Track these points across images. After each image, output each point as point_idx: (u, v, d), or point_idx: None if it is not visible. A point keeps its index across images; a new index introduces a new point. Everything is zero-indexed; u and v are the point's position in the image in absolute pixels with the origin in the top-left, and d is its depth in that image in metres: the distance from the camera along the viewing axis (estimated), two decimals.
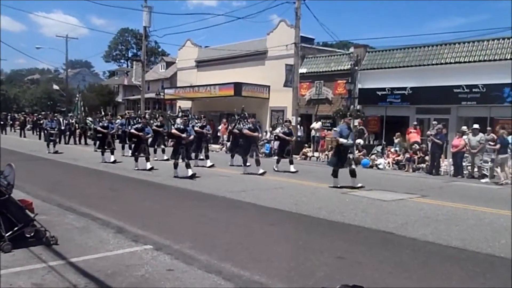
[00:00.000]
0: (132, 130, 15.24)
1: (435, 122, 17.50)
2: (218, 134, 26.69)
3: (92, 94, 50.75)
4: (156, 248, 5.62)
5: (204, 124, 17.20)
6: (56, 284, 4.36)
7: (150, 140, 16.37)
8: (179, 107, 16.92)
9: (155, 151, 17.72)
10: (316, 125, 23.05)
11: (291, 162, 14.97)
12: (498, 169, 14.30)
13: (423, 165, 16.45)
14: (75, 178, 12.72)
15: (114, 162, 16.06)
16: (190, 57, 33.84)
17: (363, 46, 23.90)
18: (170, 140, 19.32)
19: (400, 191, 11.21)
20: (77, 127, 27.73)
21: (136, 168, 14.14)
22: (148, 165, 14.17)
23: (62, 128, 24.96)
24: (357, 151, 19.06)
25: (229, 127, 17.54)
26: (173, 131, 13.14)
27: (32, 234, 5.53)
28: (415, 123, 19.09)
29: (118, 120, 23.77)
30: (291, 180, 12.76)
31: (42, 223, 5.73)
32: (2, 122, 39.52)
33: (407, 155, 17.24)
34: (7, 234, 5.24)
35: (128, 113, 26.28)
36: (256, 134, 14.60)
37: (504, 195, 11.14)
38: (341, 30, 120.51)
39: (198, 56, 33.84)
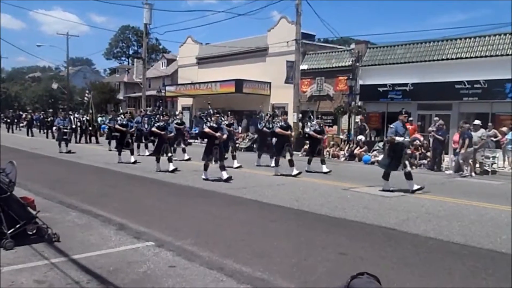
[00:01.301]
0: (154, 129, 14.05)
1: (436, 118, 17.48)
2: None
3: (93, 91, 50.73)
4: (158, 244, 5.63)
5: (231, 122, 16.43)
6: (58, 281, 4.37)
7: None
8: (209, 103, 15.87)
9: (174, 150, 16.81)
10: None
11: (323, 162, 14.12)
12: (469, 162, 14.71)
13: (425, 161, 16.44)
14: (77, 175, 12.72)
15: (135, 162, 15.22)
16: (191, 54, 33.81)
17: (364, 42, 23.87)
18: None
19: (401, 187, 11.19)
20: (88, 126, 26.80)
21: (159, 170, 13.24)
22: (171, 166, 13.16)
23: (73, 126, 23.64)
24: (358, 147, 19.08)
25: (258, 126, 16.29)
26: (207, 129, 11.85)
27: (34, 231, 5.54)
28: (411, 118, 19.04)
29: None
30: (292, 177, 12.75)
31: (44, 220, 5.74)
32: (8, 120, 38.94)
33: (408, 151, 17.20)
34: (9, 231, 5.25)
35: (144, 110, 25.29)
36: (289, 132, 13.55)
37: (506, 191, 11.12)
38: (342, 26, 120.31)
39: (199, 53, 33.82)
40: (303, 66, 24.90)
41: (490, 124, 16.75)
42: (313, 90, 25.33)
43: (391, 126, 10.96)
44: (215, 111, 12.63)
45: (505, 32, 18.63)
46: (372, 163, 17.51)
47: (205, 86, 29.32)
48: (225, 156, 13.92)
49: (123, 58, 79.60)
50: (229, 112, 12.51)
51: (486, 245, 5.99)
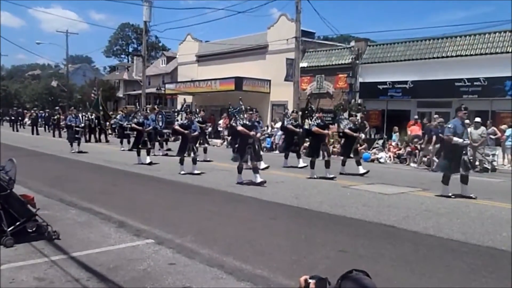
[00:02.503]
0: (177, 127, 13.12)
1: (436, 116, 17.47)
2: (219, 128, 26.66)
3: (92, 89, 50.69)
4: (158, 242, 5.63)
5: (257, 120, 15.87)
6: (58, 278, 4.37)
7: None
8: (240, 98, 15.11)
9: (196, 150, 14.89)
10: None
11: (359, 163, 13.11)
12: (435, 158, 14.95)
13: (424, 159, 16.44)
14: (77, 173, 12.72)
15: (150, 164, 14.29)
16: (191, 51, 33.77)
17: (364, 40, 23.83)
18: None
19: (401, 185, 11.21)
20: (97, 124, 25.31)
21: (183, 172, 12.16)
22: (196, 169, 12.26)
23: (82, 125, 21.71)
24: (358, 145, 19.06)
25: (285, 123, 15.26)
26: (240, 128, 10.86)
27: (34, 229, 5.54)
28: (416, 116, 19.05)
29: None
30: (292, 174, 12.75)
31: (44, 218, 5.74)
32: (13, 118, 37.72)
33: (408, 149, 17.23)
34: (9, 229, 5.25)
35: (158, 107, 24.39)
36: (327, 131, 12.75)
37: (506, 188, 11.13)
38: (342, 24, 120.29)
39: (198, 51, 33.78)
40: (303, 64, 24.86)
41: (489, 121, 16.73)
42: (313, 88, 25.31)
43: (449, 125, 9.85)
44: (248, 107, 11.90)
45: (505, 30, 18.60)
46: (372, 160, 17.52)
47: (204, 83, 29.29)
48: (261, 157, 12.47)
49: (122, 56, 79.56)
50: (254, 109, 11.36)
51: (486, 242, 5.99)
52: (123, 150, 19.07)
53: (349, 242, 5.94)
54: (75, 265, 4.74)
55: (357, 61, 22.92)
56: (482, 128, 15.28)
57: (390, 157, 17.84)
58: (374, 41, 24.44)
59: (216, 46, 31.27)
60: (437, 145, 14.83)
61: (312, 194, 9.66)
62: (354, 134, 13.16)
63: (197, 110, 17.47)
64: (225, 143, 23.56)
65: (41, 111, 40.82)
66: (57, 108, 35.33)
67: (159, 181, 11.29)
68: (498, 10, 76.83)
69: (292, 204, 8.41)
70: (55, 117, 30.96)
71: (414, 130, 18.24)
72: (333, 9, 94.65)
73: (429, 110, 20.21)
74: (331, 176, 11.95)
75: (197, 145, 13.84)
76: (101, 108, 25.27)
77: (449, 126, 9.75)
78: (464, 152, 9.57)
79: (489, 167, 15.08)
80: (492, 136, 16.00)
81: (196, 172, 12.09)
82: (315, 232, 6.44)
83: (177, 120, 14.64)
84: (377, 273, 4.71)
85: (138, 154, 14.62)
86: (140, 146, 14.80)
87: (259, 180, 10.43)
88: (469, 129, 15.44)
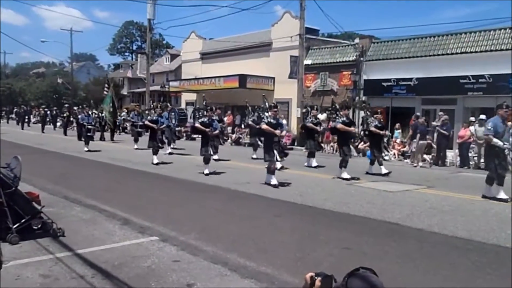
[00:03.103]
0: (197, 125, 12.29)
1: (441, 113, 17.41)
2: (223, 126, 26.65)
3: (97, 87, 50.80)
4: (162, 239, 5.65)
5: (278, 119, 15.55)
6: (63, 275, 4.39)
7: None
8: (263, 96, 14.64)
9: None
10: (321, 116, 22.97)
11: (381, 163, 12.46)
12: (420, 154, 15.67)
13: (429, 156, 16.39)
14: (82, 170, 12.76)
15: (158, 164, 13.71)
16: (195, 49, 33.75)
17: (369, 37, 23.72)
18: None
19: (405, 182, 11.18)
20: (107, 122, 24.34)
21: (208, 173, 11.64)
22: (207, 170, 11.66)
23: (94, 123, 20.90)
24: (362, 142, 19.02)
25: (305, 121, 14.95)
26: (264, 126, 10.38)
27: (39, 226, 5.57)
28: (418, 113, 18.95)
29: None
30: (296, 172, 12.73)
31: (49, 215, 5.77)
32: (21, 116, 37.06)
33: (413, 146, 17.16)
34: (14, 226, 5.28)
35: (162, 104, 23.84)
36: (352, 128, 12.33)
37: (510, 186, 11.06)
38: (346, 21, 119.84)
39: (202, 48, 33.75)
40: (307, 61, 24.80)
41: None
42: (317, 85, 25.23)
43: (488, 126, 9.07)
44: (272, 104, 11.49)
45: (510, 26, 18.48)
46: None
47: (209, 81, 29.27)
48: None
49: (126, 54, 79.60)
50: (275, 104, 11.10)
51: (491, 240, 5.98)
52: (137, 149, 18.45)
53: (354, 240, 5.93)
54: (80, 262, 4.76)
55: (362, 58, 22.83)
56: None
57: (394, 154, 17.79)
58: (378, 38, 24.33)
59: (220, 44, 31.24)
60: (421, 142, 15.46)
61: (316, 191, 9.65)
62: (381, 132, 12.75)
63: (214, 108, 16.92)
64: (229, 140, 23.58)
65: (46, 109, 40.38)
66: (66, 106, 35.02)
67: (164, 179, 11.31)
68: (503, 7, 76.39)
69: (296, 202, 8.41)
70: (65, 115, 30.66)
71: None
72: (337, 6, 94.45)
73: (433, 107, 20.12)
74: (346, 177, 11.31)
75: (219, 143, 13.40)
76: (111, 105, 24.27)
77: (489, 126, 8.99)
78: (507, 151, 9.04)
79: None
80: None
81: (206, 172, 11.64)
82: (319, 230, 6.44)
83: (198, 118, 13.72)
84: (381, 271, 4.70)
85: (155, 153, 14.03)
86: (159, 145, 14.45)
87: (274, 182, 9.97)
88: (474, 127, 15.44)
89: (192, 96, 32.99)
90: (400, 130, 19.04)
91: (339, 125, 11.76)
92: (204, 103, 14.10)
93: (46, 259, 4.83)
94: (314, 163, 14.05)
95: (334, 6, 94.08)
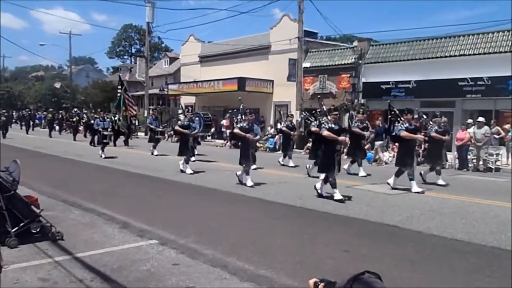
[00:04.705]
0: (237, 130, 11.01)
1: (438, 113, 17.39)
2: (222, 129, 26.68)
3: (95, 90, 50.78)
4: (161, 242, 5.64)
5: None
6: (62, 279, 4.38)
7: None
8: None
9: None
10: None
11: (438, 172, 11.49)
12: (380, 153, 16.30)
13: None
14: (80, 174, 12.74)
15: (192, 173, 12.35)
16: (194, 52, 33.80)
17: (367, 40, 23.77)
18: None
19: (404, 185, 11.16)
20: (120, 126, 22.48)
21: (251, 184, 10.24)
22: (249, 182, 10.25)
23: (110, 128, 19.47)
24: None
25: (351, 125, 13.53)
26: (326, 133, 9.15)
27: (38, 230, 5.56)
28: (416, 116, 18.82)
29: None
30: (295, 175, 12.72)
31: (48, 219, 5.76)
32: (25, 120, 35.95)
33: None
34: (13, 230, 5.27)
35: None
36: (418, 135, 11.04)
37: (509, 188, 11.06)
38: (345, 23, 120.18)
39: (201, 52, 33.80)
40: (306, 64, 24.84)
41: (493, 121, 16.67)
42: (315, 88, 25.26)
43: None
44: (332, 107, 11.08)
45: (508, 29, 18.53)
46: (375, 160, 17.47)
47: (207, 84, 29.30)
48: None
49: (125, 57, 79.58)
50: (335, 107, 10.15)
51: (490, 242, 5.98)
52: (157, 155, 17.26)
53: (353, 242, 5.93)
54: (78, 265, 4.75)
55: (360, 61, 22.87)
56: (486, 127, 15.24)
57: (393, 156, 17.78)
58: (377, 41, 24.39)
59: (219, 47, 31.30)
60: (378, 142, 16.53)
61: (315, 194, 9.62)
62: (443, 137, 11.69)
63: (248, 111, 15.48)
64: (228, 143, 23.56)
65: (43, 112, 39.70)
66: (75, 110, 34.38)
67: (163, 182, 11.30)
68: (502, 10, 76.50)
69: (296, 205, 8.40)
70: (74, 119, 29.91)
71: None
72: (335, 9, 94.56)
73: (432, 110, 20.09)
74: (443, 183, 10.86)
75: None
76: (123, 108, 23.06)
77: None
78: None
79: (493, 167, 15.03)
80: (495, 136, 15.93)
81: (249, 184, 10.26)
82: (319, 232, 6.44)
83: (237, 123, 12.67)
84: (381, 273, 4.69)
85: (187, 162, 12.70)
86: (192, 153, 13.42)
87: (332, 194, 8.87)
88: (472, 129, 15.45)
89: (191, 99, 33.00)
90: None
91: (403, 133, 10.30)
92: (241, 107, 12.77)
93: (45, 262, 4.82)
94: (362, 172, 12.66)
95: (332, 9, 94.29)
